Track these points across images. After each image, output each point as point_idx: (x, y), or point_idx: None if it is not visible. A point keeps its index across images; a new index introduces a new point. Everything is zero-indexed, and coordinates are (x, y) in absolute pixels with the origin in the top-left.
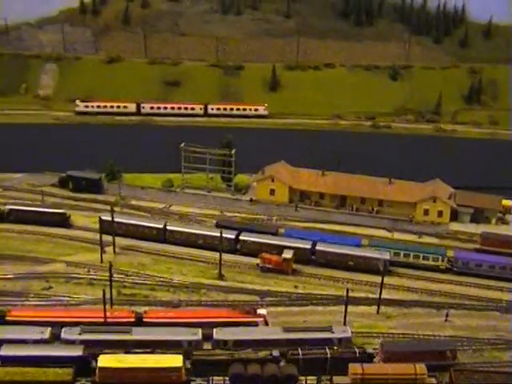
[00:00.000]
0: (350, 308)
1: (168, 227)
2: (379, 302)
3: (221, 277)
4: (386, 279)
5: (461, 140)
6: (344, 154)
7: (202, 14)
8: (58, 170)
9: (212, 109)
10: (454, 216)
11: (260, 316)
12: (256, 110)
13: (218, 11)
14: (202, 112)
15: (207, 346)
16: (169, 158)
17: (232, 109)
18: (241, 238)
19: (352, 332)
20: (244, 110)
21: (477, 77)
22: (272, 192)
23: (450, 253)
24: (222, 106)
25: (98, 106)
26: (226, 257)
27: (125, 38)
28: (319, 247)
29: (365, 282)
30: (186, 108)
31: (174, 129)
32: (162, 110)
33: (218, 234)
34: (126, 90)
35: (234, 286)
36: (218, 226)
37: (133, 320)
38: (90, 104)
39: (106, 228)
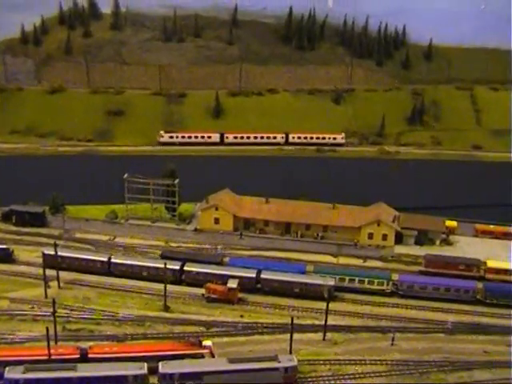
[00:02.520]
0: (297, 336)
1: (112, 260)
2: (325, 328)
3: (166, 308)
4: (332, 305)
5: (404, 161)
6: (289, 180)
7: (144, 42)
8: (1, 205)
9: (293, 137)
10: (399, 239)
11: (205, 347)
12: (334, 138)
13: (161, 39)
14: (283, 141)
15: (153, 380)
16: (113, 188)
17: (312, 137)
18: (185, 268)
19: (298, 360)
20: (323, 138)
21: (419, 98)
22: (216, 221)
23: (395, 276)
24: (302, 135)
25: (183, 137)
26: (171, 288)
27: (67, 67)
28: (264, 275)
29: (311, 309)
30: (268, 137)
31: (118, 158)
32: (245, 140)
33: (163, 266)
34: (69, 120)
35: (179, 318)
36: (162, 257)
37: (77, 356)
38: (174, 135)
39: (50, 262)
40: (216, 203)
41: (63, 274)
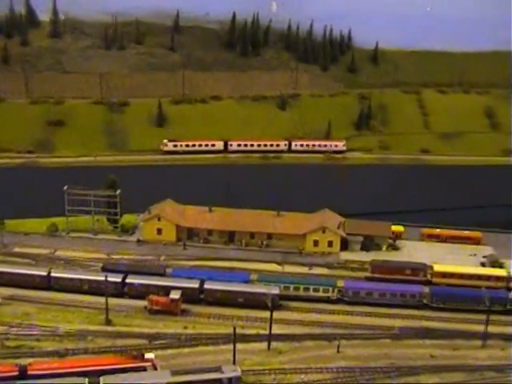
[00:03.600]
0: (241, 346)
1: (52, 274)
2: (269, 337)
3: (108, 322)
4: (277, 314)
5: (351, 167)
6: (234, 188)
7: (84, 50)
8: None
9: (296, 145)
10: (345, 245)
11: (147, 360)
12: (336, 145)
13: (101, 47)
14: (286, 148)
15: None
16: (53, 201)
17: (314, 145)
18: (127, 280)
19: (242, 370)
20: (325, 146)
21: (366, 102)
22: (159, 231)
23: (341, 283)
24: (305, 143)
25: (187, 145)
26: (113, 301)
27: (4, 77)
28: (207, 285)
29: (255, 319)
30: (271, 144)
31: (59, 169)
32: (248, 147)
33: (104, 278)
34: (8, 131)
35: (121, 331)
36: (104, 269)
37: (16, 373)
38: (178, 143)
39: None
40: (158, 213)
41: (1, 290)
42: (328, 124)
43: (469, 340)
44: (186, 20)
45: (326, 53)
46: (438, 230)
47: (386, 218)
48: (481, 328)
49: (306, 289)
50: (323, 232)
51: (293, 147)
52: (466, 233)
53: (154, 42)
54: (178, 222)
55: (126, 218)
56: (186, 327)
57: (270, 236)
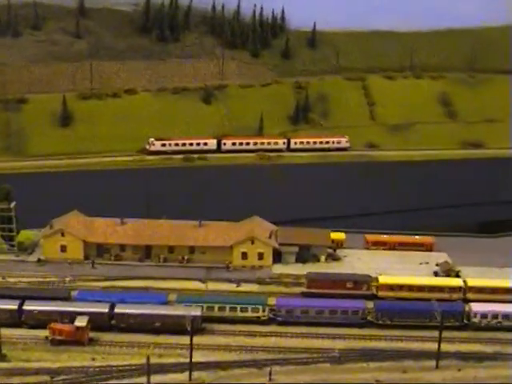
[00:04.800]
0: (159, 377)
1: None
2: (190, 366)
3: (2, 357)
4: (199, 339)
5: (287, 166)
6: (155, 196)
7: None
8: None
9: (295, 143)
10: (277, 257)
11: None
12: (339, 142)
13: None
14: (284, 146)
15: None
16: None
17: (315, 142)
18: (25, 307)
19: None
20: (327, 142)
21: (303, 92)
22: (63, 248)
23: (272, 300)
24: (305, 140)
25: (176, 144)
26: (8, 332)
27: None
28: (118, 310)
29: (175, 345)
30: (269, 143)
31: None
32: (244, 146)
33: None
34: None
35: (18, 367)
36: None
37: None
38: (167, 142)
39: None
40: (61, 228)
41: None
42: (260, 118)
43: (420, 361)
44: (93, 1)
45: (256, 37)
46: (384, 236)
47: (324, 224)
48: (434, 346)
49: (233, 309)
50: (252, 243)
51: (292, 145)
52: (417, 238)
53: (56, 27)
54: (85, 236)
55: (24, 235)
56: (94, 359)
57: (191, 249)
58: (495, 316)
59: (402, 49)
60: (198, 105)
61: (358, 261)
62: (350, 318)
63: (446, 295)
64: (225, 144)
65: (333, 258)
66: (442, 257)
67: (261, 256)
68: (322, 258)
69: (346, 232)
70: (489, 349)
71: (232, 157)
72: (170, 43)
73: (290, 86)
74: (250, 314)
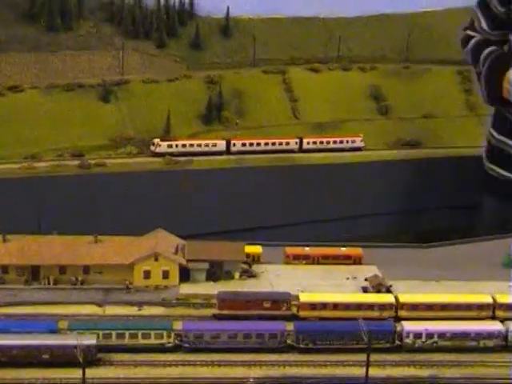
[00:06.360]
0: None
1: None
2: None
3: None
4: (93, 371)
5: (196, 173)
6: (44, 208)
7: None
8: None
9: (308, 143)
10: (185, 275)
11: None
12: (353, 141)
13: None
14: (297, 147)
15: None
16: None
17: (329, 142)
18: None
19: None
20: (341, 142)
21: (216, 88)
22: None
23: (179, 325)
24: (318, 140)
25: (184, 146)
26: None
27: None
28: None
29: (65, 380)
30: (280, 143)
31: None
32: (255, 147)
33: None
34: None
35: None
36: None
37: None
38: (173, 143)
39: None
40: None
41: None
42: (167, 118)
43: None
44: None
45: (162, 25)
46: (306, 248)
47: (238, 236)
48: (362, 372)
49: (134, 335)
50: (156, 260)
51: (304, 146)
52: (343, 250)
53: None
54: None
55: None
56: None
57: (86, 269)
58: (430, 336)
59: (328, 37)
60: (95, 103)
61: (277, 277)
62: (268, 342)
63: (375, 313)
64: (234, 145)
65: (248, 274)
66: (371, 270)
67: (166, 274)
68: (236, 274)
69: (263, 245)
70: (424, 373)
71: (131, 163)
72: (61, 33)
73: (201, 81)
74: (153, 340)
